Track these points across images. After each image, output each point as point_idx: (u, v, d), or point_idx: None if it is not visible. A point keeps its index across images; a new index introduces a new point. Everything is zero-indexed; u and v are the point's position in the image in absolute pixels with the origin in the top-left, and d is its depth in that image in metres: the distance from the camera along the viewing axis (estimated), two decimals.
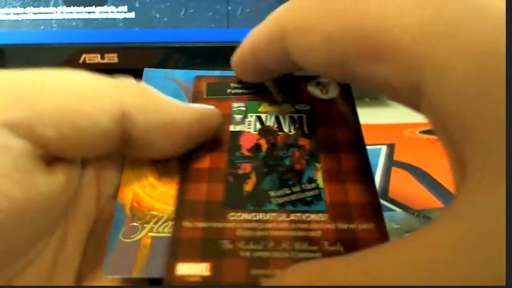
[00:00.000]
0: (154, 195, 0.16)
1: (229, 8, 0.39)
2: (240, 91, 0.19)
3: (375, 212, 0.15)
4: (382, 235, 0.14)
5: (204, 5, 0.39)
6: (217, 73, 0.20)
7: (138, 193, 0.16)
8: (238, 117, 0.18)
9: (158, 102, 0.15)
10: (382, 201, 0.34)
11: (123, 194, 0.16)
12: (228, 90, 0.19)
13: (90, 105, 0.13)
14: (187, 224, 0.14)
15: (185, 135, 0.15)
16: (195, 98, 0.19)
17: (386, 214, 0.33)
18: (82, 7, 0.39)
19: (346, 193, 0.15)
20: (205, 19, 0.39)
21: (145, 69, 0.19)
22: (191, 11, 0.39)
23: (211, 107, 0.16)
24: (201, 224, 0.14)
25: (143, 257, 0.14)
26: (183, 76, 0.20)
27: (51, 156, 0.13)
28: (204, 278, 0.13)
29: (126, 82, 0.15)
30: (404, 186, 0.34)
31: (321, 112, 0.18)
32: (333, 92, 0.19)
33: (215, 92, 0.19)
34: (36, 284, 0.14)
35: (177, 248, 0.14)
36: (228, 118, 0.18)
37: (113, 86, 0.14)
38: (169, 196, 0.16)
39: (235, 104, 0.18)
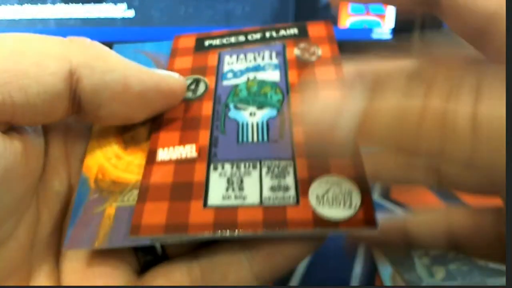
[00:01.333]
0: (120, 165, 0.15)
1: (229, 7, 0.39)
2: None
3: None
4: None
5: (204, 4, 0.39)
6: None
7: (103, 165, 0.15)
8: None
9: (108, 60, 0.14)
10: (384, 201, 0.33)
11: (88, 167, 0.15)
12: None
13: (36, 66, 0.12)
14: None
15: (138, 98, 0.14)
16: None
17: (386, 214, 0.33)
18: (81, 4, 0.38)
19: None
20: (205, 18, 0.39)
21: (115, 45, 0.18)
22: (191, 9, 0.39)
23: (175, 74, 0.15)
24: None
25: (106, 228, 0.13)
26: (154, 48, 0.19)
27: (5, 124, 0.13)
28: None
29: (74, 40, 0.14)
30: (405, 186, 0.34)
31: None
32: None
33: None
34: (14, 268, 0.13)
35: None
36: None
37: (60, 44, 0.13)
38: (135, 165, 0.15)
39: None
